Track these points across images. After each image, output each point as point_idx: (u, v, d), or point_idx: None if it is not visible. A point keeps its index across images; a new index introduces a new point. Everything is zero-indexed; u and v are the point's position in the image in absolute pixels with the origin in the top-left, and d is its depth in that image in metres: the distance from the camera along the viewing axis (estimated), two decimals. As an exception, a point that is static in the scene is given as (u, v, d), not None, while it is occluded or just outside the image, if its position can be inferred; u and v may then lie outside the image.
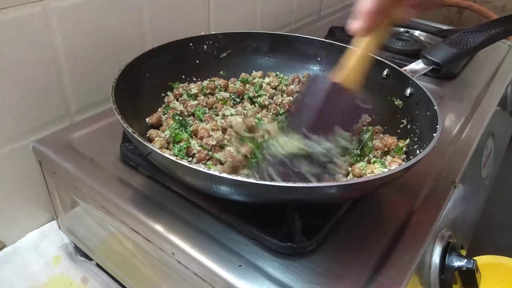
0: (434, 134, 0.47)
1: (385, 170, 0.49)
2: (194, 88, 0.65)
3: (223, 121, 0.58)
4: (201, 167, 0.38)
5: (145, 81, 0.62)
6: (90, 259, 0.66)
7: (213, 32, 0.70)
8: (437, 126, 0.48)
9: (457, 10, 1.55)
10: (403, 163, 0.51)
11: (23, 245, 0.65)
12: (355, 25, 0.43)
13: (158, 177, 0.53)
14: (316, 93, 0.47)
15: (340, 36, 0.96)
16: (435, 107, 0.52)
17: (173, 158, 0.39)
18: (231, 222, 0.47)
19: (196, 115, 0.60)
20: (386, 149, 0.54)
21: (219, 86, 0.67)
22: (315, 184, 0.38)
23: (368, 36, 0.45)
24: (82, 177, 0.53)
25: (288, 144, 0.44)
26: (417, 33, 1.04)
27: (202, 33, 0.69)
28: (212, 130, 0.56)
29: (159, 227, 0.47)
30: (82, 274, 0.64)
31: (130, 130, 0.42)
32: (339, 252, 0.46)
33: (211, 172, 0.38)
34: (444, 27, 1.08)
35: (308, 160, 0.44)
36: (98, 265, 0.66)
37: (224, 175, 0.37)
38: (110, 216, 0.52)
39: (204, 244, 0.45)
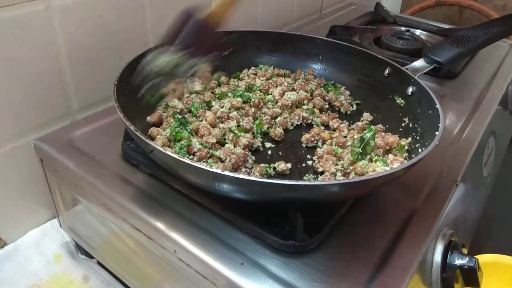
0: (436, 133, 0.47)
1: (387, 168, 0.49)
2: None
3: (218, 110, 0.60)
4: (203, 165, 0.38)
5: (146, 78, 0.62)
6: (91, 257, 0.66)
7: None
8: (439, 125, 0.48)
9: (458, 9, 1.55)
10: (405, 161, 0.51)
11: (24, 243, 0.65)
12: None
13: (159, 175, 0.53)
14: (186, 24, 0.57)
15: (341, 35, 0.96)
16: (437, 106, 0.52)
17: (175, 155, 0.39)
18: (233, 220, 0.47)
19: (192, 112, 0.60)
20: (388, 147, 0.54)
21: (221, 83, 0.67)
22: (317, 182, 0.38)
23: None
24: (83, 175, 0.53)
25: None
26: (418, 32, 1.04)
27: (204, 31, 0.69)
28: (211, 124, 0.56)
29: (161, 225, 0.47)
30: (83, 272, 0.64)
31: (132, 128, 0.42)
32: (341, 250, 0.46)
33: (213, 170, 0.38)
34: (445, 26, 1.08)
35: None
36: (99, 263, 0.66)
37: (226, 172, 0.37)
38: (112, 214, 0.52)
39: (206, 242, 0.45)
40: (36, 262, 0.64)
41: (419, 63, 0.63)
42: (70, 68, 0.64)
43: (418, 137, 0.55)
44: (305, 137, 0.57)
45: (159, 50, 0.57)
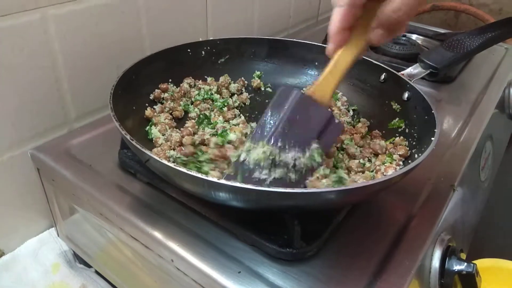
0: (432, 138, 0.47)
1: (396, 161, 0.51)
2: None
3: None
4: (198, 174, 0.38)
5: (143, 87, 0.62)
6: (89, 266, 0.66)
7: (211, 38, 0.70)
8: (435, 130, 0.48)
9: (454, 13, 1.56)
10: (397, 168, 0.51)
11: (22, 252, 0.65)
12: (328, 47, 0.48)
13: (156, 184, 0.52)
14: (285, 102, 0.48)
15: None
16: (433, 111, 0.52)
17: (171, 164, 0.39)
18: (230, 228, 0.47)
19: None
20: (380, 152, 0.55)
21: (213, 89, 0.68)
22: (313, 190, 0.38)
23: (340, 53, 0.48)
24: (80, 184, 0.53)
25: (253, 151, 0.46)
26: (414, 36, 1.05)
27: (200, 39, 0.69)
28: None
29: (158, 234, 0.47)
30: (81, 282, 0.64)
31: (128, 137, 0.42)
32: (339, 257, 0.46)
33: (209, 178, 0.38)
34: (441, 30, 1.08)
35: (273, 166, 0.45)
36: (97, 272, 0.65)
37: (222, 181, 0.37)
38: (109, 223, 0.52)
39: (203, 251, 0.45)
40: (34, 271, 0.64)
41: (415, 68, 0.63)
42: (67, 77, 0.64)
43: (414, 143, 0.55)
44: None
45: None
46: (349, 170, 0.53)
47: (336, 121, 0.49)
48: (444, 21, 1.59)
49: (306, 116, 0.48)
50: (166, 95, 0.64)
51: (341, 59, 0.48)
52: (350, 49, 0.48)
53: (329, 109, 0.50)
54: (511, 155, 1.06)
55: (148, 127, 0.58)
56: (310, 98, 0.49)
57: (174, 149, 0.54)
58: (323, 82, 0.49)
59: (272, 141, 0.46)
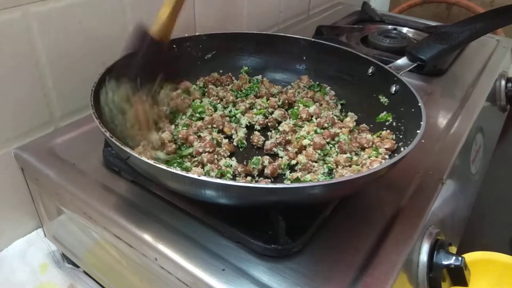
0: (418, 131, 0.47)
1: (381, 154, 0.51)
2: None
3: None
4: (179, 170, 0.37)
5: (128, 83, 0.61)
6: (78, 266, 0.65)
7: (197, 33, 0.69)
8: (421, 123, 0.48)
9: (445, 6, 1.55)
10: (383, 161, 0.51)
11: (9, 253, 0.64)
12: None
13: (141, 182, 0.52)
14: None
15: (327, 35, 0.96)
16: (419, 104, 0.51)
17: (151, 161, 0.38)
18: (215, 225, 0.47)
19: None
20: (367, 145, 0.54)
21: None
22: (296, 184, 0.38)
23: None
24: (63, 184, 0.52)
25: None
26: (405, 30, 1.04)
27: (186, 35, 0.68)
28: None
29: (141, 233, 0.46)
30: (70, 282, 0.63)
31: (108, 134, 0.42)
32: (325, 252, 0.45)
33: (190, 175, 0.37)
34: (433, 23, 1.07)
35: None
36: (85, 272, 0.65)
37: (203, 177, 0.37)
38: (93, 223, 0.51)
39: (187, 249, 0.44)
40: (22, 272, 0.63)
41: (402, 61, 0.63)
42: (52, 75, 0.63)
43: (401, 136, 0.54)
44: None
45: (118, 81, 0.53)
46: (337, 164, 0.53)
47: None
48: (436, 14, 1.58)
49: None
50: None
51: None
52: None
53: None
54: (502, 148, 1.06)
55: None
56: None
57: (156, 149, 0.53)
58: (164, 22, 0.54)
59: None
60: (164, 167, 0.38)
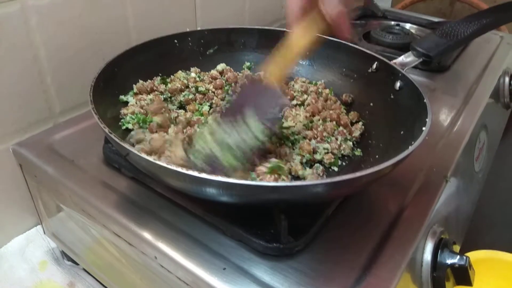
0: (424, 128, 0.46)
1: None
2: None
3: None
4: (179, 168, 0.36)
5: (129, 79, 0.60)
6: (77, 264, 0.65)
7: (199, 28, 0.69)
8: (427, 120, 0.47)
9: (449, 2, 1.54)
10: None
11: (8, 250, 0.64)
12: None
13: (141, 178, 0.51)
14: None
15: (330, 31, 0.94)
16: (425, 100, 0.50)
17: (151, 159, 0.37)
18: (216, 223, 0.46)
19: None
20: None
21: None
22: (298, 183, 0.37)
23: (295, 37, 0.48)
24: (62, 180, 0.52)
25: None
26: (408, 26, 1.03)
27: (188, 30, 0.67)
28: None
29: (140, 231, 0.45)
30: (69, 279, 0.63)
31: (107, 130, 0.41)
32: (328, 251, 0.44)
33: (190, 173, 0.36)
34: (436, 19, 1.06)
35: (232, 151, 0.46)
36: (85, 270, 0.64)
37: (203, 175, 0.36)
38: (92, 220, 0.50)
39: (188, 247, 0.43)
40: (21, 269, 0.63)
41: (407, 57, 0.62)
42: (51, 70, 0.62)
43: (407, 132, 0.53)
44: None
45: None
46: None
47: (284, 99, 0.50)
48: (439, 10, 1.57)
49: (255, 97, 0.49)
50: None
51: (293, 42, 0.49)
52: (303, 32, 0.48)
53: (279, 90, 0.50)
54: (506, 146, 1.05)
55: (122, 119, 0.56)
56: (259, 81, 0.50)
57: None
58: (274, 65, 0.49)
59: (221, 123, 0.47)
60: (163, 164, 0.37)
